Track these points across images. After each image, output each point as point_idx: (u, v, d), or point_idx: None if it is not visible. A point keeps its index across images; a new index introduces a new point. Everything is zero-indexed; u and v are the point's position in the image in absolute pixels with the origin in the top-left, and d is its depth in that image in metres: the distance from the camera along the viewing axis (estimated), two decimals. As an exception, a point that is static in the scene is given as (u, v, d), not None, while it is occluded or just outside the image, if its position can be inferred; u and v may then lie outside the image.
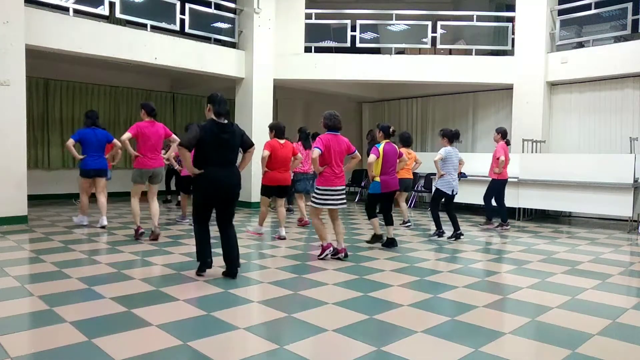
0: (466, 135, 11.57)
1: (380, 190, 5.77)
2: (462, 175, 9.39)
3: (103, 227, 6.81)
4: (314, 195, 5.20)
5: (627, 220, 7.99)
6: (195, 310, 3.44)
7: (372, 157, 5.68)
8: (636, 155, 7.65)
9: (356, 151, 5.36)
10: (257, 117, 9.75)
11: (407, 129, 12.44)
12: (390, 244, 5.86)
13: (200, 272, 4.39)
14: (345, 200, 5.26)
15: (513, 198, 8.78)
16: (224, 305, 3.58)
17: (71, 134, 7.14)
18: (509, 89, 10.13)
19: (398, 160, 6.02)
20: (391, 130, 5.91)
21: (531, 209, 9.38)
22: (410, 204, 10.90)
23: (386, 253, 5.61)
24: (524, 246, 6.29)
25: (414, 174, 7.70)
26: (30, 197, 7.66)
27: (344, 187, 5.22)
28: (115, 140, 6.95)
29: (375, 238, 5.93)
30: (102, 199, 6.98)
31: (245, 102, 10.00)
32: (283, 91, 11.53)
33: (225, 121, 4.20)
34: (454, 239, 6.52)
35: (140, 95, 12.10)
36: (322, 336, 3.04)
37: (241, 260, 5.09)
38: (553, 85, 9.84)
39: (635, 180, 7.51)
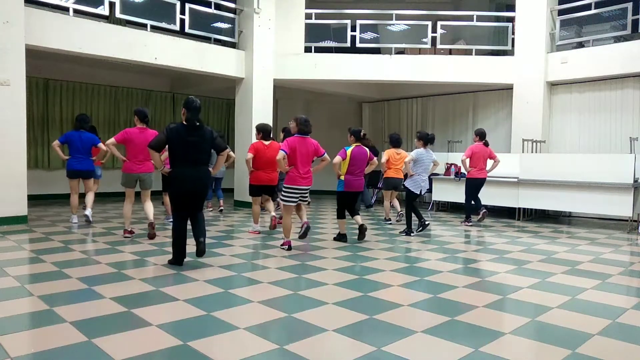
0: (466, 135, 11.57)
1: (343, 188, 6.15)
2: (461, 175, 9.42)
3: (85, 217, 7.04)
4: (282, 193, 5.66)
5: (627, 220, 7.99)
6: (195, 310, 3.44)
7: (337, 158, 6.04)
8: (636, 155, 7.65)
9: (325, 154, 5.76)
10: (257, 117, 9.74)
11: (407, 129, 12.46)
12: (361, 232, 6.22)
13: (175, 263, 4.73)
14: (307, 199, 5.82)
15: (513, 198, 8.79)
16: (224, 305, 3.58)
17: (64, 133, 7.28)
18: (509, 89, 10.13)
19: (370, 163, 6.33)
20: (362, 134, 6.33)
21: (531, 209, 9.38)
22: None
23: (386, 253, 5.61)
24: (524, 246, 6.29)
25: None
26: (30, 197, 7.67)
27: (308, 187, 5.68)
28: (100, 144, 7.16)
29: (340, 236, 6.31)
30: (89, 195, 7.21)
31: (245, 102, 10.00)
32: (283, 91, 11.53)
33: (196, 124, 4.52)
34: (421, 229, 6.92)
35: (140, 95, 12.11)
36: (322, 336, 3.04)
37: (241, 260, 5.12)
38: (553, 85, 9.84)
39: (635, 180, 7.51)
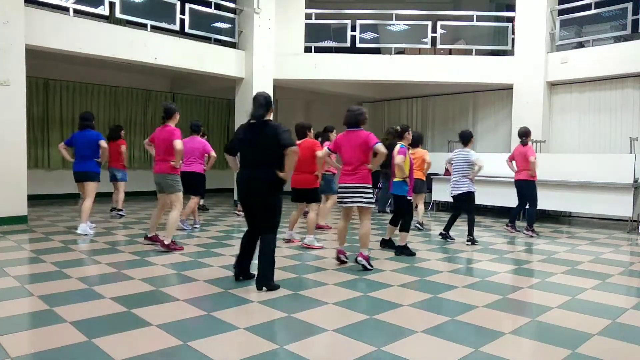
0: (466, 135, 11.56)
1: (408, 192, 5.59)
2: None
3: (84, 234, 6.29)
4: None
5: (627, 220, 7.99)
6: (195, 310, 3.44)
7: (400, 157, 5.36)
8: (636, 155, 7.66)
9: (377, 145, 4.69)
10: (257, 117, 9.73)
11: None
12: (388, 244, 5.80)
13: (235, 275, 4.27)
14: (355, 200, 4.72)
15: (513, 198, 8.77)
16: (224, 306, 3.58)
17: (71, 134, 7.07)
18: (509, 89, 10.13)
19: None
20: (396, 130, 5.76)
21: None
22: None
23: (386, 253, 5.60)
24: (524, 246, 6.29)
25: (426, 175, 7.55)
26: (30, 197, 7.65)
27: (354, 184, 4.70)
28: (100, 142, 6.53)
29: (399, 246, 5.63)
30: (86, 203, 6.44)
31: (245, 102, 9.98)
32: (283, 91, 11.53)
33: (253, 121, 4.04)
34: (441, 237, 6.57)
35: (140, 95, 12.12)
36: (322, 336, 3.04)
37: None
38: (553, 85, 9.84)
39: (635, 180, 7.52)
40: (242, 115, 10.02)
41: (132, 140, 11.70)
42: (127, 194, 8.58)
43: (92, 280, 4.20)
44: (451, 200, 6.75)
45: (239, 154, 4.21)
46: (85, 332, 2.96)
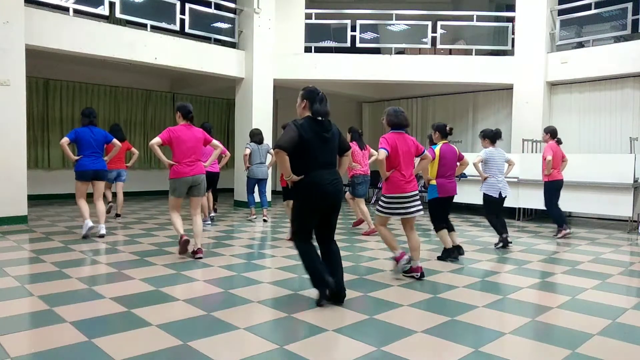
0: (466, 135, 11.58)
1: (438, 194, 5.32)
2: (462, 176, 9.38)
3: (101, 236, 6.14)
4: (380, 203, 4.51)
5: (627, 220, 7.99)
6: (195, 310, 3.44)
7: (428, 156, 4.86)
8: (636, 155, 7.65)
9: (426, 151, 4.68)
10: (257, 117, 9.76)
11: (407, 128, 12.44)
12: (457, 250, 5.41)
13: (321, 300, 3.59)
14: (420, 208, 4.49)
15: (513, 198, 8.77)
16: (224, 305, 3.58)
17: (72, 130, 6.74)
18: (509, 89, 10.13)
19: (461, 163, 5.60)
20: (448, 128, 5.47)
21: (531, 209, 9.38)
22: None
23: (386, 253, 5.58)
24: (524, 246, 6.29)
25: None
26: (30, 197, 7.66)
27: (416, 192, 4.46)
28: (114, 141, 6.44)
29: (446, 252, 5.34)
30: (101, 205, 6.32)
31: (245, 102, 10.00)
32: (283, 91, 11.53)
33: (321, 118, 3.61)
34: (501, 245, 6.11)
35: (140, 95, 12.12)
36: (322, 336, 3.04)
37: (241, 260, 5.11)
38: (553, 85, 9.84)
39: (635, 180, 7.51)
40: (242, 115, 10.06)
41: (132, 140, 11.71)
42: (126, 194, 8.60)
43: (92, 280, 4.20)
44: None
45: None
46: (85, 332, 2.96)
